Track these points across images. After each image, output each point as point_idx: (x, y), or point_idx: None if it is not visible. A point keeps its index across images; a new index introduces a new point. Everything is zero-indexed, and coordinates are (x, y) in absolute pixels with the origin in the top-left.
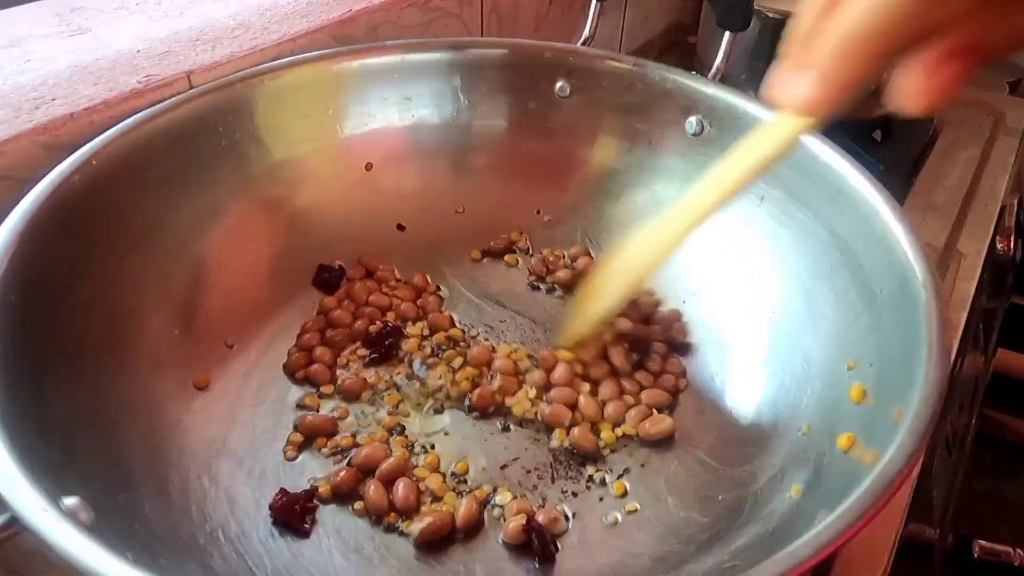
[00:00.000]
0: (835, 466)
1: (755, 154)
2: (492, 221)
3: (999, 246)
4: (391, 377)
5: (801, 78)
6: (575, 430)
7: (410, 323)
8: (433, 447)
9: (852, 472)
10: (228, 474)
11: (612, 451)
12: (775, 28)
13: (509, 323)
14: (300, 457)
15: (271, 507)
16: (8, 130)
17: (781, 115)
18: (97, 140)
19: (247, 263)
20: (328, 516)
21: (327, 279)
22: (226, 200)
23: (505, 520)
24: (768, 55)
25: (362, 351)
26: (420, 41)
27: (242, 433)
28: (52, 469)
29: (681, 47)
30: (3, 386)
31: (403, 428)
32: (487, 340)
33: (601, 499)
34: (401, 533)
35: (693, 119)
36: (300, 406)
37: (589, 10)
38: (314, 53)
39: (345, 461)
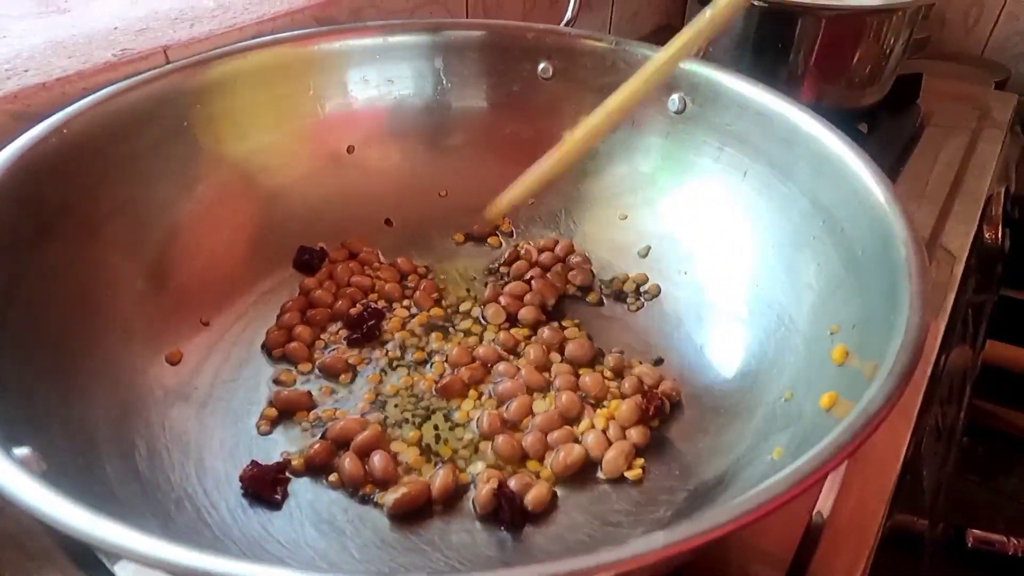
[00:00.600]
0: (818, 425)
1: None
2: (476, 204)
3: (987, 235)
4: (371, 358)
5: None
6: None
7: (395, 303)
8: (408, 421)
9: (832, 428)
10: (198, 447)
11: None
12: (760, 17)
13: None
14: (274, 432)
15: (241, 478)
16: None
17: None
18: (69, 109)
19: (224, 242)
20: (301, 489)
21: (308, 261)
22: (203, 178)
23: (476, 487)
24: (752, 44)
25: (343, 332)
26: (402, 22)
27: (215, 408)
28: (5, 421)
29: None
30: None
31: (383, 404)
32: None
33: (583, 469)
34: (376, 504)
35: (675, 97)
36: (276, 382)
37: None
38: (294, 33)
39: (320, 435)
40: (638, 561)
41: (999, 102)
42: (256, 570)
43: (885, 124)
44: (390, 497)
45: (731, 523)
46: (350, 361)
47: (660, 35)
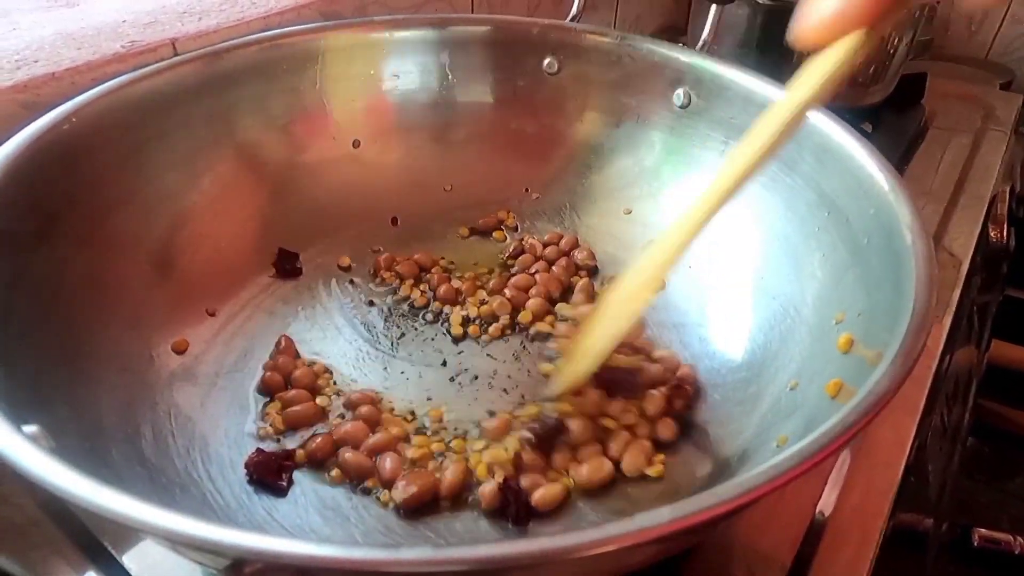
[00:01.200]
0: (823, 412)
1: (784, 108)
2: (480, 199)
3: (992, 234)
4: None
5: None
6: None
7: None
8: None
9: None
10: (203, 435)
11: None
12: (765, 15)
13: None
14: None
15: (247, 464)
16: None
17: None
18: (77, 99)
19: (230, 233)
20: (305, 477)
21: (289, 269)
22: (210, 170)
23: (480, 481)
24: (757, 42)
25: None
26: (408, 17)
27: (220, 397)
28: (14, 401)
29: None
30: None
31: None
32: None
33: None
34: (380, 501)
35: (680, 91)
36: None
37: None
38: (301, 27)
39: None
40: (644, 535)
41: (1003, 102)
42: (258, 540)
43: (889, 123)
44: (398, 495)
45: (739, 498)
46: None
47: (664, 36)
